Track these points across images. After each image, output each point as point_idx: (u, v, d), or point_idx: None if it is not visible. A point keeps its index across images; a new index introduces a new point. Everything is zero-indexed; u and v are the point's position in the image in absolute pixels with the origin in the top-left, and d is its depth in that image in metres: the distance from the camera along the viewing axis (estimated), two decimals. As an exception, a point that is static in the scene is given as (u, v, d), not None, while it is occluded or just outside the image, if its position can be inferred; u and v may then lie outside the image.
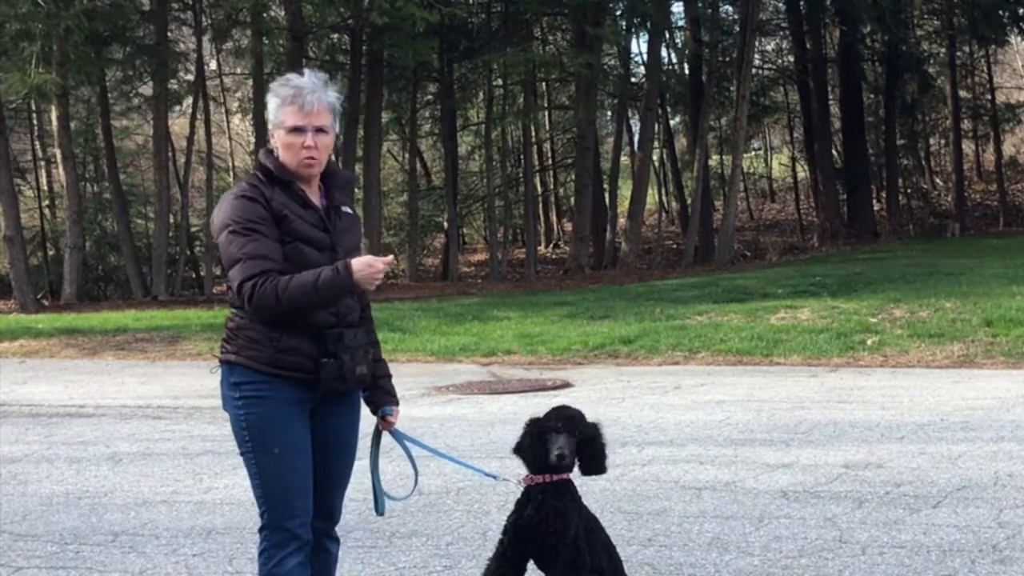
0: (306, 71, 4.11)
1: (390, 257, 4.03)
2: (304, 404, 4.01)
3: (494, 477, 4.63)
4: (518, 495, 4.38)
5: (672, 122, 36.65)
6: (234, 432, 4.08)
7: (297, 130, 3.98)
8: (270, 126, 4.07)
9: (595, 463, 4.40)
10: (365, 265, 3.90)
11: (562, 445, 4.27)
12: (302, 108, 3.98)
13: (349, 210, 4.19)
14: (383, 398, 4.25)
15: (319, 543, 4.16)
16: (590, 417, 4.43)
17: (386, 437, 4.36)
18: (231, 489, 7.29)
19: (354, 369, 4.01)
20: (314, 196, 4.08)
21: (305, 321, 3.94)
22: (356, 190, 4.34)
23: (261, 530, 4.04)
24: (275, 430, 3.97)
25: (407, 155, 32.40)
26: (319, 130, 3.99)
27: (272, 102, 4.04)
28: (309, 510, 4.05)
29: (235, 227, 3.91)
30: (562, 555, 4.22)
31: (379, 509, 4.35)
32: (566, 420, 4.35)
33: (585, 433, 4.36)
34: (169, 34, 27.36)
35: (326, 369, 3.95)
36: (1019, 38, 35.61)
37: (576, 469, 4.40)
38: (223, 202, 4.01)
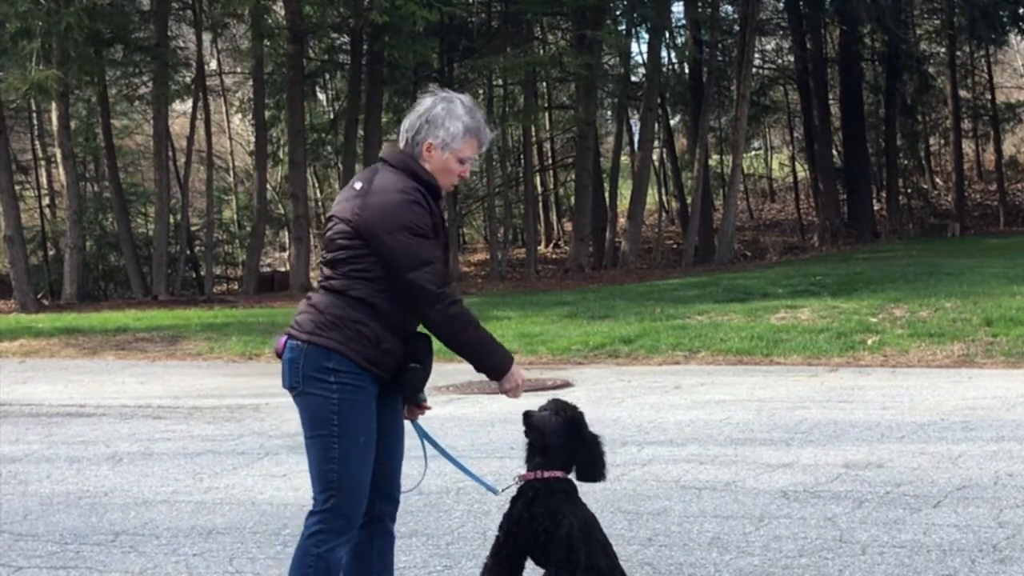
0: (467, 97, 4.26)
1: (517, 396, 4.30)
2: (375, 402, 4.17)
3: (495, 491, 4.64)
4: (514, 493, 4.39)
5: (672, 122, 36.63)
6: (315, 414, 4.12)
7: (465, 160, 4.20)
8: (436, 141, 4.15)
9: (590, 465, 4.40)
10: (518, 372, 4.24)
11: (541, 413, 4.36)
12: (482, 144, 4.22)
13: None
14: None
15: (384, 527, 4.31)
16: (602, 429, 4.46)
17: None
18: (231, 489, 7.29)
19: (429, 374, 4.22)
20: None
21: (403, 327, 4.12)
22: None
23: (316, 513, 4.10)
24: (363, 421, 4.11)
25: (407, 155, 32.30)
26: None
27: (455, 125, 4.16)
28: (366, 504, 4.18)
29: (419, 230, 4.05)
30: (554, 553, 4.23)
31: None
32: (553, 401, 4.45)
33: (573, 416, 4.37)
34: (169, 33, 27.35)
35: (414, 374, 4.15)
36: (1019, 38, 35.60)
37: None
38: (389, 199, 4.06)
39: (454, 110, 4.17)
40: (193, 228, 31.19)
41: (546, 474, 4.31)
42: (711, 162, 34.77)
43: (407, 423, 4.41)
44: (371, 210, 4.05)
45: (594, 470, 4.39)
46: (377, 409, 4.19)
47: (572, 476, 4.40)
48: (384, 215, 4.03)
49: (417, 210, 4.06)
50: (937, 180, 40.19)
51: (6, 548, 6.10)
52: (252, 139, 30.57)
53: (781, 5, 34.77)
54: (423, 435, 4.44)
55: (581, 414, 4.42)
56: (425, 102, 4.21)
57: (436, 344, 4.31)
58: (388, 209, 4.04)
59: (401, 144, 4.21)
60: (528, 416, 4.36)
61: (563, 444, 4.33)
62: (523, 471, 4.44)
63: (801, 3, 32.03)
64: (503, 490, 4.50)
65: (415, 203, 4.06)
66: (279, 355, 4.24)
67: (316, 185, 36.65)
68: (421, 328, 4.24)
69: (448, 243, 4.29)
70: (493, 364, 4.18)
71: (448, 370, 12.04)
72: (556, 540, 4.22)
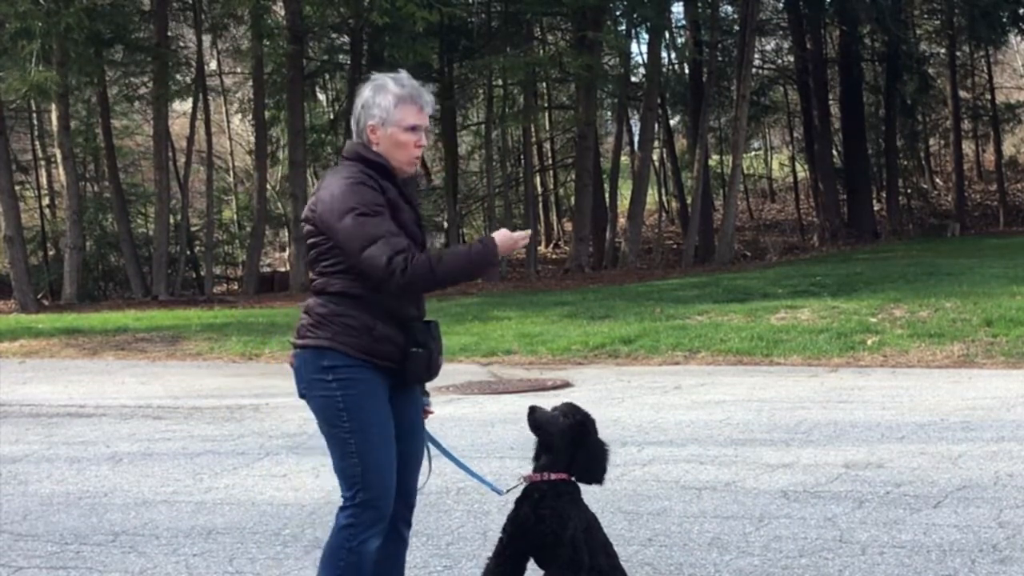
0: (402, 72, 4.28)
1: (528, 232, 4.23)
2: (387, 390, 4.16)
3: (500, 492, 4.63)
4: (519, 494, 4.39)
5: (672, 122, 36.64)
6: (324, 414, 4.15)
7: (414, 129, 4.17)
8: (374, 121, 4.18)
9: (592, 464, 4.40)
10: (506, 238, 4.12)
11: (548, 411, 4.36)
12: (422, 108, 4.18)
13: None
14: (420, 389, 4.41)
15: (396, 529, 4.29)
16: (601, 430, 4.47)
17: None
18: (231, 489, 7.29)
19: (438, 360, 4.19)
20: None
21: (396, 313, 4.09)
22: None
23: (346, 508, 4.12)
24: (373, 410, 4.11)
25: (407, 155, 32.35)
26: (426, 130, 4.22)
27: (385, 99, 4.17)
28: (394, 494, 4.16)
29: (363, 209, 4.03)
30: (560, 555, 4.23)
31: None
32: (566, 404, 4.44)
33: (582, 420, 4.37)
34: (169, 33, 27.35)
35: (415, 359, 4.10)
36: (1019, 38, 35.61)
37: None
38: (335, 187, 4.10)
39: (382, 86, 4.21)
40: (193, 228, 31.19)
41: (552, 476, 4.31)
42: (711, 162, 34.80)
43: None
44: (322, 203, 4.12)
45: (592, 473, 4.39)
46: (395, 410, 4.19)
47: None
48: (332, 204, 4.08)
49: (361, 190, 4.07)
50: (937, 180, 40.20)
51: (6, 548, 6.10)
52: (252, 139, 30.57)
53: (781, 5, 34.79)
54: (427, 437, 4.45)
55: (591, 420, 4.42)
56: (359, 92, 4.29)
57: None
58: (335, 197, 4.09)
59: (354, 138, 4.29)
60: (532, 412, 4.36)
61: (567, 446, 4.34)
62: (525, 470, 4.45)
63: (801, 3, 32.05)
64: (507, 491, 4.49)
65: (359, 184, 4.08)
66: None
67: (316, 185, 36.63)
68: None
69: (420, 220, 4.25)
70: (481, 268, 4.16)
71: (448, 370, 12.02)
72: (562, 542, 4.22)
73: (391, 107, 4.17)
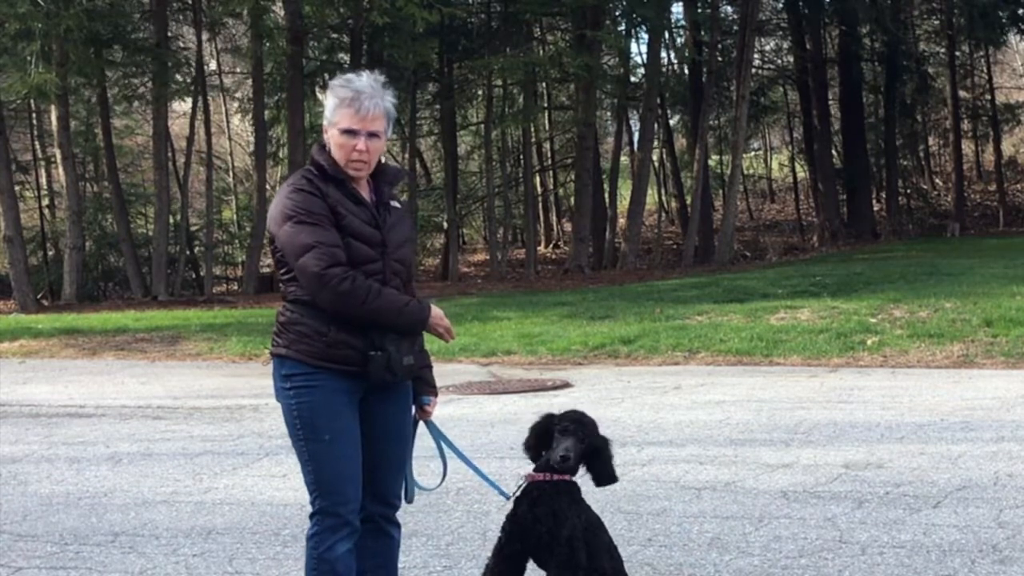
0: (365, 73, 4.21)
1: (448, 334, 4.25)
2: (353, 394, 4.12)
3: (507, 496, 4.62)
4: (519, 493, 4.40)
5: (672, 122, 36.64)
6: (286, 422, 4.18)
7: (350, 132, 4.08)
8: (325, 123, 4.16)
9: (603, 474, 4.44)
10: (440, 316, 4.19)
11: (568, 447, 4.31)
12: (358, 112, 4.08)
13: (397, 204, 4.29)
14: (422, 388, 4.38)
15: (380, 528, 4.29)
16: (601, 430, 4.49)
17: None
18: (231, 489, 7.29)
19: (401, 360, 4.10)
20: (364, 192, 4.18)
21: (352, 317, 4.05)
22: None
23: (312, 516, 4.14)
24: (325, 419, 4.07)
25: (407, 155, 32.45)
26: (372, 135, 4.09)
27: (330, 101, 4.13)
28: (359, 497, 4.14)
29: (300, 217, 4.00)
30: (556, 554, 4.24)
31: (408, 497, 4.43)
32: (576, 423, 4.39)
33: (594, 443, 4.38)
34: (169, 33, 27.35)
35: (374, 362, 4.05)
36: (1018, 38, 35.63)
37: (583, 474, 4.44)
38: (279, 195, 4.11)
39: (333, 87, 4.17)
40: (193, 228, 31.19)
41: (555, 477, 4.32)
42: (711, 162, 34.79)
43: (423, 425, 4.43)
44: (269, 212, 4.13)
45: (607, 474, 4.46)
46: (370, 412, 4.18)
47: (576, 478, 4.42)
48: (274, 212, 4.09)
49: (297, 197, 4.04)
50: (937, 180, 40.22)
51: (6, 548, 6.10)
52: (252, 139, 30.57)
53: (780, 5, 34.80)
54: (438, 436, 4.46)
55: (597, 431, 4.45)
56: None
57: (427, 345, 4.32)
58: (276, 206, 4.09)
59: None
60: (566, 459, 4.32)
61: (579, 460, 4.38)
62: (525, 470, 4.46)
63: (801, 3, 32.06)
64: (512, 496, 4.48)
65: (297, 190, 4.05)
66: None
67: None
68: None
69: (379, 223, 4.13)
70: (410, 323, 4.11)
71: (448, 370, 12.04)
72: (558, 541, 4.22)
73: (333, 107, 4.13)
